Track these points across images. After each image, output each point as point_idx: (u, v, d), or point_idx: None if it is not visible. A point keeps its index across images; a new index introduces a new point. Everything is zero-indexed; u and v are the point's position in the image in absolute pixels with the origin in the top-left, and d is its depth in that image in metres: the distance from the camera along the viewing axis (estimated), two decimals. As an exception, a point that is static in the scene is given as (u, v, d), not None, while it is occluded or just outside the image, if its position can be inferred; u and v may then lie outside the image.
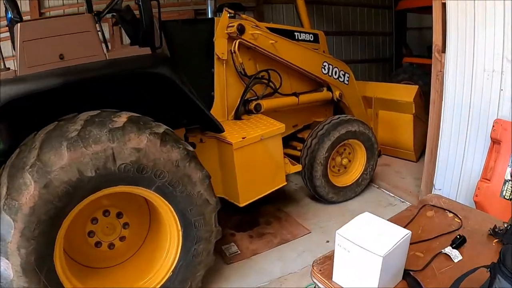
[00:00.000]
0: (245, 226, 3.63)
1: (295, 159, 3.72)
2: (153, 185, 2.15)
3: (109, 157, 1.96)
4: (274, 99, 3.64)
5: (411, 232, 1.39)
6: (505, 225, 1.73)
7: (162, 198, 2.23)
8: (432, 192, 3.28)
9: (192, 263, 2.42)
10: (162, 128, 2.20)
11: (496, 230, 1.75)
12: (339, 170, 4.04)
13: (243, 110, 3.46)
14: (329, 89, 4.13)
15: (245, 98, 3.41)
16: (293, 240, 3.37)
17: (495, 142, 2.67)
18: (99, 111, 2.14)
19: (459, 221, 1.89)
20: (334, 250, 1.48)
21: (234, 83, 3.37)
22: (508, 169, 2.56)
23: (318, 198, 3.91)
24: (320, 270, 1.58)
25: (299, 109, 3.96)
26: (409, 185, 4.22)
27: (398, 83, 5.87)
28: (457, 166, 3.05)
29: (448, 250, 1.64)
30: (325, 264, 1.61)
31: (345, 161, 3.99)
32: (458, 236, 1.69)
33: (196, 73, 3.06)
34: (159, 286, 2.39)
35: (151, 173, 2.10)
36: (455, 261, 1.60)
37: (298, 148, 3.99)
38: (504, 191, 2.56)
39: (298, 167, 3.59)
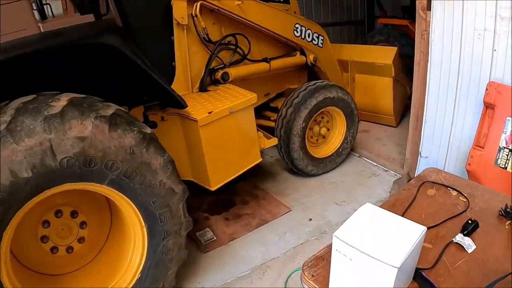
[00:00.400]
0: (219, 208, 3.35)
1: (269, 131, 3.42)
2: (105, 179, 1.81)
3: (46, 151, 1.61)
4: (243, 66, 3.29)
5: (426, 228, 1.12)
6: (518, 204, 1.51)
7: (118, 192, 1.89)
8: (418, 161, 3.07)
9: (162, 262, 2.14)
10: (111, 109, 1.84)
11: (508, 210, 1.53)
12: (317, 140, 3.78)
13: (209, 80, 3.08)
14: (303, 53, 3.81)
15: (211, 67, 3.03)
16: (273, 221, 3.12)
17: (488, 106, 2.44)
18: (34, 95, 1.76)
19: (464, 200, 1.66)
20: (328, 250, 1.22)
21: (198, 51, 2.97)
22: (503, 136, 2.35)
23: (296, 171, 3.66)
24: (313, 275, 1.31)
25: (271, 76, 3.63)
26: (391, 152, 4.02)
27: (373, 45, 5.57)
28: (445, 132, 2.83)
29: (460, 238, 1.41)
30: (318, 267, 1.34)
31: (323, 130, 3.72)
32: (470, 221, 1.45)
33: (153, 42, 2.67)
34: (126, 290, 2.09)
35: (101, 165, 1.75)
36: (469, 251, 1.37)
37: (272, 118, 3.69)
38: (499, 159, 2.37)
39: (274, 141, 3.31)
